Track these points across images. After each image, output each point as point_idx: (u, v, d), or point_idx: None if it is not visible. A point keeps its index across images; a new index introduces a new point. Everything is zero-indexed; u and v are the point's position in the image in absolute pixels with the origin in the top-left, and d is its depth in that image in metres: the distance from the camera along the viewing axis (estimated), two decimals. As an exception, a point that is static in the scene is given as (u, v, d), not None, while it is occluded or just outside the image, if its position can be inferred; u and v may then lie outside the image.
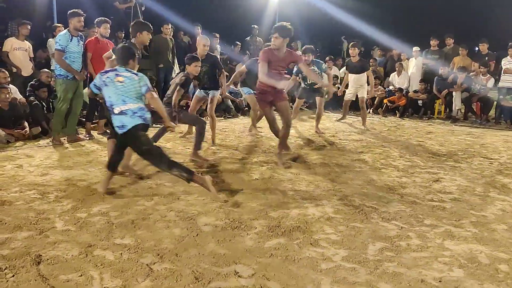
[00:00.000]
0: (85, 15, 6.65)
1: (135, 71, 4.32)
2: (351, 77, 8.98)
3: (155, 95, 4.28)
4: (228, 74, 10.72)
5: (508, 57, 9.95)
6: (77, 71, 6.63)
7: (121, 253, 3.03)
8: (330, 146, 6.92)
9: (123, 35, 10.24)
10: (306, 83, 8.10)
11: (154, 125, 8.23)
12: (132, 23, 5.09)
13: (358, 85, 8.89)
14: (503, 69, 10.00)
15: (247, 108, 10.87)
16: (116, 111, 4.18)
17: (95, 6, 10.22)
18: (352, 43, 9.09)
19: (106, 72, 4.31)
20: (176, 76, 6.51)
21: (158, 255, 3.01)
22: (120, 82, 4.18)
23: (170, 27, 10.24)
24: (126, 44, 4.76)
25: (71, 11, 6.66)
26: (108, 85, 4.19)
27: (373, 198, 4.37)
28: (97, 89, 4.31)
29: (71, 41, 6.47)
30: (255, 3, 15.43)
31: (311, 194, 4.45)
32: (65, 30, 6.59)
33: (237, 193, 4.38)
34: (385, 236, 3.45)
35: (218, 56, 12.03)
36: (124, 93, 4.17)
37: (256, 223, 3.63)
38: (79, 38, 6.61)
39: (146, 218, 3.69)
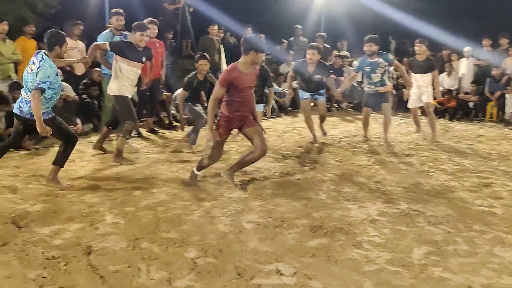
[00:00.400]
0: (124, 14, 6.78)
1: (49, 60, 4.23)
2: (414, 77, 7.69)
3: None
4: (273, 74, 10.77)
5: None
6: None
7: (166, 247, 3.13)
8: (376, 147, 6.80)
9: (171, 35, 10.48)
10: (370, 82, 6.85)
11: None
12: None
13: (422, 87, 7.58)
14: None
15: (290, 108, 10.88)
16: None
17: (144, 7, 10.51)
18: (419, 39, 7.72)
19: None
20: None
21: (202, 249, 3.08)
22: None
23: (217, 28, 10.38)
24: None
25: (113, 10, 6.84)
26: None
27: (419, 201, 4.27)
28: None
29: (112, 39, 6.61)
30: (301, 2, 15.36)
31: (355, 195, 4.40)
32: (108, 30, 6.74)
33: (279, 192, 4.40)
34: (431, 240, 3.37)
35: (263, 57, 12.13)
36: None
37: (298, 223, 3.63)
38: (122, 37, 6.74)
39: (191, 213, 3.77)
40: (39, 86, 4.04)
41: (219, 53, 10.30)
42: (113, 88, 5.48)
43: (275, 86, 10.52)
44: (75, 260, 2.90)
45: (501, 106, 10.32)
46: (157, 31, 7.42)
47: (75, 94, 7.34)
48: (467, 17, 16.21)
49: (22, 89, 4.36)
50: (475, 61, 11.17)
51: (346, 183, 4.82)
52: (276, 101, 10.38)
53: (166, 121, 8.18)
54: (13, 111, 4.42)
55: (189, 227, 3.48)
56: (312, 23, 15.33)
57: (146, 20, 7.30)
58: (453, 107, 10.41)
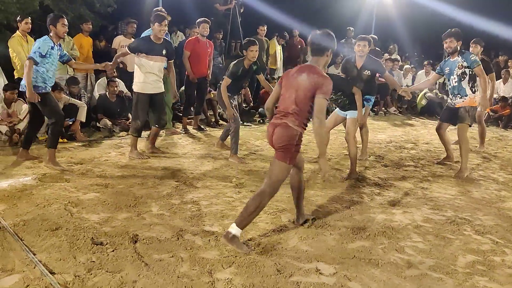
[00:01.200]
0: (170, 18, 6.92)
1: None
2: None
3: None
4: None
5: None
6: None
7: (209, 240, 3.20)
8: (425, 153, 6.64)
9: (221, 35, 10.66)
10: (452, 93, 5.52)
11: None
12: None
13: None
14: None
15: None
16: None
17: (196, 7, 10.74)
18: (474, 39, 7.02)
19: None
20: None
21: (244, 244, 3.13)
22: None
23: (265, 28, 10.46)
24: None
25: (155, 14, 6.89)
26: None
27: (467, 209, 4.15)
28: None
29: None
30: (353, 4, 15.17)
31: (400, 201, 4.33)
32: (146, 31, 6.81)
33: (322, 194, 4.39)
34: (478, 249, 3.27)
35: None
36: None
37: (340, 224, 3.62)
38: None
39: (233, 209, 3.84)
40: (30, 56, 4.74)
41: (267, 54, 10.37)
42: (137, 84, 5.52)
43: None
44: (122, 247, 3.03)
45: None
46: (208, 31, 7.57)
47: (127, 90, 7.60)
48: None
49: None
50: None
51: (391, 188, 4.74)
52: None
53: (213, 119, 8.33)
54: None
55: (231, 222, 3.52)
56: (364, 25, 15.10)
57: (198, 20, 7.48)
58: (507, 115, 9.98)
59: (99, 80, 7.84)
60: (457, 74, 5.33)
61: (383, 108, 11.48)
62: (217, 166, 5.26)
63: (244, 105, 9.45)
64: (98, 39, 10.40)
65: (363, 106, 5.32)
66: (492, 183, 5.12)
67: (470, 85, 5.29)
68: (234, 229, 3.06)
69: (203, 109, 8.11)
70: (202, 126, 7.78)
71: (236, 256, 2.94)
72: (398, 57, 13.37)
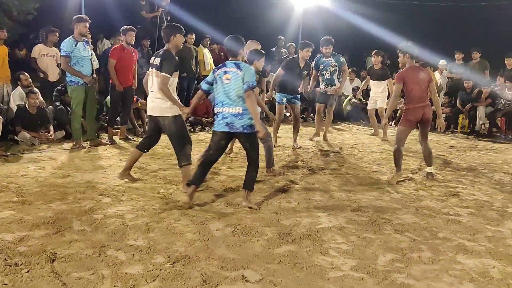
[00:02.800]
0: (90, 21, 6.75)
1: (242, 63, 4.16)
2: (372, 83, 9.27)
3: (252, 95, 4.09)
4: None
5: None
6: (85, 75, 6.65)
7: (133, 254, 3.10)
8: (348, 157, 6.89)
9: (149, 43, 10.47)
10: (325, 81, 7.80)
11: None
12: (163, 27, 4.86)
13: (377, 92, 9.04)
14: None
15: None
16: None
17: (122, 15, 10.49)
18: (375, 50, 9.27)
19: (218, 68, 4.26)
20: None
21: (169, 257, 3.07)
22: (228, 79, 4.12)
23: (194, 37, 10.41)
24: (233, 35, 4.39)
25: (77, 16, 6.81)
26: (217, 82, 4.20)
27: (387, 209, 4.34)
28: (209, 85, 4.29)
29: (76, 46, 6.56)
30: (280, 14, 15.52)
31: (325, 204, 4.45)
32: (70, 37, 6.64)
33: (251, 200, 4.41)
34: (397, 247, 3.43)
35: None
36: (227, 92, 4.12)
37: (268, 230, 3.65)
38: (84, 43, 6.72)
39: (160, 221, 3.76)
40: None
41: (196, 62, 10.32)
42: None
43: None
44: (38, 266, 2.86)
45: (472, 118, 10.58)
46: (134, 39, 7.41)
47: (42, 99, 7.24)
48: (441, 32, 16.61)
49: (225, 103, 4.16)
50: (448, 74, 11.46)
51: (317, 191, 4.86)
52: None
53: (141, 129, 8.13)
54: (219, 129, 4.20)
55: (157, 235, 3.46)
56: (291, 34, 15.50)
57: (123, 28, 7.31)
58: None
59: (14, 90, 7.41)
60: (330, 71, 7.51)
61: (311, 115, 11.80)
62: (144, 178, 5.14)
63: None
64: (18, 47, 9.86)
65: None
66: (411, 183, 5.41)
67: (337, 79, 7.56)
68: None
69: (130, 118, 7.90)
70: (129, 136, 7.58)
71: (161, 270, 2.87)
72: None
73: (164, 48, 4.64)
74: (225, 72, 4.14)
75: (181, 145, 4.62)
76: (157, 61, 4.55)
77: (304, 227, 3.76)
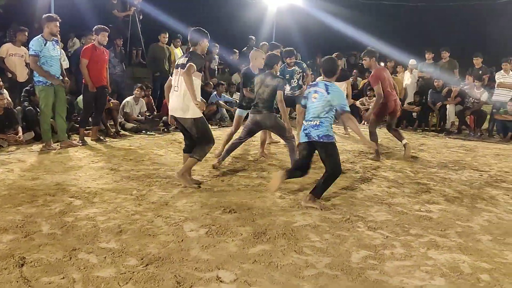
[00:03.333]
0: (61, 20, 6.62)
1: (332, 85, 4.40)
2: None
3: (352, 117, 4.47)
4: (224, 83, 10.80)
5: (501, 71, 10.05)
6: (53, 76, 6.53)
7: (105, 257, 3.04)
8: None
9: (122, 42, 10.32)
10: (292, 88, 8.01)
11: (148, 132, 8.27)
12: (192, 31, 4.87)
13: None
14: (496, 83, 10.09)
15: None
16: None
17: (93, 13, 10.31)
18: (336, 54, 9.23)
19: (311, 85, 4.59)
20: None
21: (142, 259, 3.02)
22: (315, 98, 4.41)
23: (167, 36, 10.31)
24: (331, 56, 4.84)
25: (47, 15, 6.67)
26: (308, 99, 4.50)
27: (361, 207, 4.39)
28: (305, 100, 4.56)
29: (45, 45, 6.42)
30: (254, 13, 15.54)
31: (300, 202, 4.46)
32: (39, 35, 6.52)
33: (225, 200, 4.40)
34: (370, 244, 3.46)
35: (216, 66, 12.12)
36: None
37: (242, 230, 3.64)
38: (54, 42, 6.58)
39: (133, 223, 3.70)
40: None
41: (169, 62, 10.22)
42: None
43: (227, 95, 10.58)
44: (6, 272, 2.77)
45: (443, 116, 10.81)
46: (107, 39, 7.29)
47: (11, 101, 7.05)
48: (411, 32, 16.94)
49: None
50: (418, 73, 11.67)
51: (291, 190, 4.88)
52: (228, 110, 10.42)
53: (113, 130, 8.00)
54: (300, 140, 4.51)
55: (130, 237, 3.41)
56: (265, 34, 15.53)
57: (96, 27, 7.17)
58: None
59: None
60: (296, 78, 7.69)
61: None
62: (117, 179, 5.05)
63: (148, 114, 9.21)
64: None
65: None
66: (383, 181, 5.49)
67: (302, 82, 7.72)
68: None
69: (102, 119, 7.77)
70: (101, 137, 7.45)
71: (133, 272, 2.83)
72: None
73: (191, 50, 4.87)
74: (315, 91, 4.41)
75: (203, 143, 4.86)
76: (183, 60, 4.70)
77: (279, 226, 3.76)
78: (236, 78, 12.07)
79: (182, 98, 4.66)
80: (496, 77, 10.16)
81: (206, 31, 4.90)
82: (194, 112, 4.66)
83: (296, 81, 7.90)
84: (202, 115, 4.78)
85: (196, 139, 4.88)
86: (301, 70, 7.80)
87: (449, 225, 3.97)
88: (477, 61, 10.86)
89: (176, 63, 4.96)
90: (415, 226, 3.92)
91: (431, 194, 4.98)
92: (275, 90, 5.45)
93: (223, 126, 9.88)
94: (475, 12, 17.61)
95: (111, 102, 8.02)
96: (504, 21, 17.45)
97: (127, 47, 11.10)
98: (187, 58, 4.67)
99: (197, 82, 4.70)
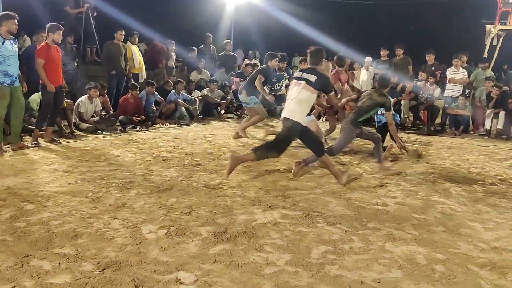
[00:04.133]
0: (18, 18, 6.37)
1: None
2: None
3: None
4: (183, 81, 10.67)
5: (452, 67, 10.42)
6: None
7: (59, 263, 2.94)
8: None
9: (72, 39, 10.01)
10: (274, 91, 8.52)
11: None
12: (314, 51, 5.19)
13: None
14: (448, 78, 10.45)
15: (201, 116, 10.84)
16: None
17: (45, 10, 9.95)
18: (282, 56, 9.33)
19: None
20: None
21: (98, 263, 2.94)
22: None
23: (123, 33, 10.07)
24: None
25: (4, 13, 6.40)
26: None
27: (320, 203, 4.44)
28: None
29: (2, 44, 6.17)
30: (212, 10, 15.45)
31: (260, 200, 4.47)
32: None
33: (185, 200, 4.34)
34: (329, 239, 3.51)
35: (174, 64, 11.96)
36: None
37: (203, 230, 3.60)
38: (12, 41, 6.33)
39: (88, 226, 3.59)
40: None
41: (125, 59, 9.99)
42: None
43: (185, 93, 10.46)
44: (-49, 284, 2.63)
45: (397, 112, 11.07)
46: (61, 37, 7.06)
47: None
48: (367, 29, 17.32)
49: None
50: (374, 70, 11.94)
51: (252, 188, 4.87)
52: (187, 109, 10.31)
53: (67, 130, 7.74)
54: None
55: (86, 241, 3.30)
56: (223, 31, 15.47)
57: (51, 25, 6.91)
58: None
59: None
60: (282, 83, 8.19)
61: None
62: (72, 181, 4.89)
63: (103, 113, 8.97)
64: None
65: None
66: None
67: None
68: None
69: (57, 119, 7.50)
70: (55, 138, 7.19)
71: (89, 277, 2.74)
72: (258, 62, 13.95)
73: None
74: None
75: (272, 147, 5.10)
76: (307, 76, 5.01)
77: (240, 224, 3.75)
78: (195, 76, 11.96)
79: (295, 104, 5.00)
80: (447, 73, 10.53)
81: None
82: (299, 119, 4.98)
83: (280, 86, 8.09)
84: (304, 127, 5.05)
85: (274, 138, 5.17)
86: (288, 77, 7.92)
87: (405, 218, 4.07)
88: (430, 58, 11.22)
89: (299, 76, 5.11)
90: (373, 220, 4.00)
91: (387, 188, 5.10)
92: None
93: (182, 125, 9.76)
94: (428, 10, 18.23)
95: (65, 102, 7.75)
96: (455, 19, 18.16)
97: (81, 44, 10.77)
98: (314, 76, 4.97)
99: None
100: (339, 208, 4.30)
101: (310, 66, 5.22)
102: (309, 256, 3.19)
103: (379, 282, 2.84)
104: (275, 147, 5.07)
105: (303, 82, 4.99)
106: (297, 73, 5.25)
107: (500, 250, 3.44)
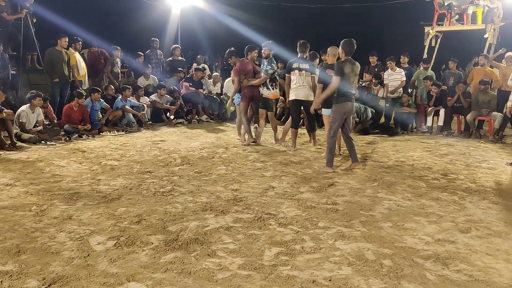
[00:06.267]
0: None
1: None
2: None
3: None
4: (130, 87, 10.45)
5: (388, 69, 10.80)
6: None
7: (1, 281, 2.80)
8: (235, 156, 6.98)
9: (13, 46, 9.58)
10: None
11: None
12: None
13: None
14: (384, 82, 10.82)
15: (150, 122, 10.67)
16: None
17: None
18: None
19: None
20: None
21: (44, 279, 2.82)
22: None
23: (67, 40, 9.74)
24: None
25: None
26: None
27: (272, 205, 4.48)
28: None
29: None
30: (157, 14, 15.26)
31: (212, 205, 4.45)
32: None
33: (134, 209, 4.25)
34: (281, 241, 3.54)
35: (119, 70, 11.70)
36: None
37: (153, 238, 3.54)
38: None
39: (32, 241, 3.44)
40: None
41: (69, 66, 9.67)
42: None
43: (133, 99, 10.25)
44: None
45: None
46: None
47: None
48: (308, 32, 17.70)
49: None
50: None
51: (204, 194, 4.84)
52: (134, 115, 10.10)
53: (8, 142, 7.37)
54: None
55: (30, 257, 3.16)
56: (170, 36, 15.31)
57: None
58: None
59: None
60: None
61: (196, 116, 11.77)
62: (14, 195, 4.67)
63: (47, 122, 8.63)
64: None
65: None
66: (292, 177, 5.64)
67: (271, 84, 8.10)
68: None
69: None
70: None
71: (34, 294, 2.63)
72: (206, 66, 13.90)
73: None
74: None
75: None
76: (305, 66, 7.40)
77: (191, 231, 3.71)
78: (142, 82, 11.73)
79: (309, 90, 7.39)
80: (384, 77, 10.87)
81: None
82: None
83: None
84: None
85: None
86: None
87: (354, 216, 4.18)
88: (373, 60, 11.58)
89: (298, 66, 7.39)
90: (323, 219, 4.08)
91: (336, 187, 5.21)
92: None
93: (131, 132, 9.55)
94: (370, 13, 18.83)
95: (4, 111, 7.39)
96: (396, 21, 18.84)
97: (20, 52, 10.32)
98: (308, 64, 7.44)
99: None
100: (290, 209, 4.35)
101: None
102: (262, 258, 3.21)
103: (330, 280, 2.89)
104: None
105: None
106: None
107: (443, 241, 3.60)
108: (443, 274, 3.03)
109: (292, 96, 7.54)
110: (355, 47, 6.05)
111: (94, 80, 11.02)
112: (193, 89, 11.91)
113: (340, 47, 6.20)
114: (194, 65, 13.10)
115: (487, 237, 3.73)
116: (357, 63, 6.16)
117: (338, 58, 6.34)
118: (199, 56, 13.89)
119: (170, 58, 12.78)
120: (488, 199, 4.85)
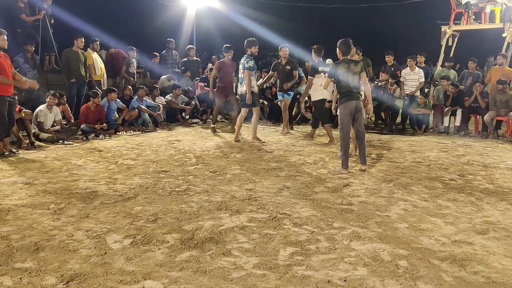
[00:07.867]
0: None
1: None
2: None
3: None
4: (145, 87, 10.54)
5: (407, 68, 10.70)
6: None
7: (20, 278, 2.85)
8: (248, 156, 7.00)
9: (33, 48, 9.72)
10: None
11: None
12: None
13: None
14: (401, 80, 10.72)
15: (166, 122, 10.74)
16: None
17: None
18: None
19: None
20: None
21: (62, 276, 2.86)
22: None
23: (83, 40, 9.87)
24: None
25: None
26: None
27: (286, 204, 4.48)
28: None
29: None
30: (172, 15, 15.35)
31: (227, 204, 4.47)
32: None
33: (150, 208, 4.29)
34: (296, 241, 3.54)
35: (135, 70, 11.81)
36: None
37: (169, 237, 3.57)
38: None
39: (51, 239, 3.49)
40: None
41: (85, 67, 9.80)
42: None
43: (149, 100, 10.33)
44: None
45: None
46: (6, 42, 6.77)
47: None
48: (327, 32, 17.64)
49: None
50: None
51: (219, 193, 4.87)
52: (150, 115, 10.18)
53: (27, 141, 7.50)
54: None
55: (48, 254, 3.22)
56: (185, 36, 15.40)
57: None
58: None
59: None
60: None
61: (210, 116, 11.80)
62: (32, 193, 4.75)
63: (64, 122, 8.76)
64: None
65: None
66: (307, 177, 5.64)
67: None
68: None
69: (13, 130, 7.24)
70: (13, 150, 6.95)
71: (52, 291, 2.67)
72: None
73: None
74: None
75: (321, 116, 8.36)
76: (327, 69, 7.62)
77: (206, 230, 3.74)
78: (165, 83, 11.78)
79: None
80: (402, 74, 10.76)
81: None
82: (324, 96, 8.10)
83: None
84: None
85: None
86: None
87: (369, 216, 4.16)
88: (389, 59, 11.50)
89: (323, 69, 8.10)
90: (338, 219, 4.07)
91: (352, 187, 5.19)
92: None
93: (146, 131, 9.64)
94: (386, 13, 18.72)
95: (23, 111, 7.52)
96: (412, 20, 18.68)
97: (39, 53, 10.48)
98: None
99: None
100: (305, 209, 4.35)
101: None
102: (277, 258, 3.21)
103: (345, 281, 2.89)
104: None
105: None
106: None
107: (459, 243, 3.56)
108: (460, 275, 2.99)
109: (319, 96, 8.34)
110: (351, 47, 6.18)
111: (114, 81, 11.15)
112: (208, 89, 11.94)
113: (337, 48, 6.22)
114: (209, 65, 13.15)
115: (505, 238, 3.68)
116: (357, 61, 6.23)
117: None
118: (214, 57, 13.95)
119: (185, 59, 12.86)
120: (507, 200, 4.78)
